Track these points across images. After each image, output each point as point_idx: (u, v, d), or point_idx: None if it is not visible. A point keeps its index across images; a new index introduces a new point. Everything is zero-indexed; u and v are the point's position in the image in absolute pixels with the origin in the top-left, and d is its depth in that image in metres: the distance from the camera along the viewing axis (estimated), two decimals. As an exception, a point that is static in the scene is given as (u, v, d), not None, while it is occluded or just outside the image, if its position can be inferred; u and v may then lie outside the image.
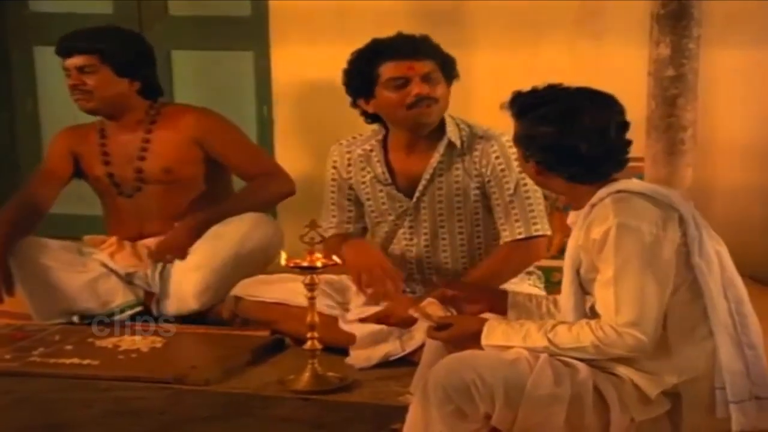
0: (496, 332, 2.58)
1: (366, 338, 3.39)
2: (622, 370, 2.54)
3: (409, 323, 3.31)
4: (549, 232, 3.50)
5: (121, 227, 4.06)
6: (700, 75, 3.69)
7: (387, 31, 4.07)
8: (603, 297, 2.51)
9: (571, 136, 2.56)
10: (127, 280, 3.98)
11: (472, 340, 2.60)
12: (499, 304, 2.80)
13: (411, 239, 3.53)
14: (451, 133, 3.44)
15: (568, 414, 2.50)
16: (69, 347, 3.60)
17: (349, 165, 3.55)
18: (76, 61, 3.92)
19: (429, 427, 2.49)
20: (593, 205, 2.56)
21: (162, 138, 3.97)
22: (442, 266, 3.52)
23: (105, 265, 3.97)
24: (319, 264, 3.20)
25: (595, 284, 2.54)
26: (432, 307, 2.82)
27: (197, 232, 3.89)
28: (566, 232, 4.03)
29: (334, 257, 3.27)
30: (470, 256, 3.50)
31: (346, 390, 3.25)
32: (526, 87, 2.66)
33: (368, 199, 3.53)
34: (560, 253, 4.06)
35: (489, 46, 4.27)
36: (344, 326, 3.43)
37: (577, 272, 2.60)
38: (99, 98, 3.93)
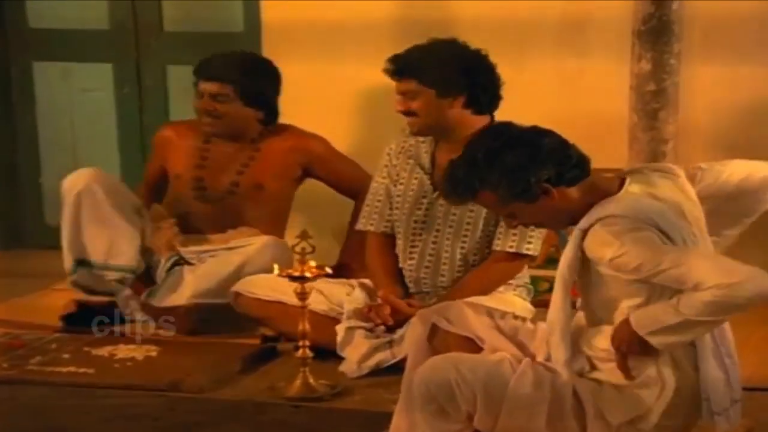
0: (646, 321, 2.47)
1: (357, 354, 3.40)
2: (602, 377, 2.53)
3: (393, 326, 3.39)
4: (536, 254, 3.50)
5: (180, 223, 4.06)
6: (680, 89, 3.69)
7: (375, 47, 4.07)
8: (679, 283, 2.42)
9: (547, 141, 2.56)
10: (144, 254, 3.98)
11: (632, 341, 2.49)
12: None
13: (420, 234, 3.53)
14: None
15: (548, 417, 2.49)
16: (66, 356, 3.59)
17: (400, 152, 3.61)
18: (211, 87, 3.92)
19: (413, 429, 2.48)
20: (584, 230, 2.50)
21: (266, 156, 3.98)
22: (440, 266, 3.51)
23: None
24: (309, 274, 3.21)
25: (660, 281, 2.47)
26: None
27: None
28: (551, 242, 4.04)
29: (326, 268, 3.29)
30: (465, 267, 3.50)
31: (336, 397, 3.25)
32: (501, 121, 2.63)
33: (401, 183, 3.57)
34: (545, 263, 4.07)
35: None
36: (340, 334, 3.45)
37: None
38: (224, 124, 3.95)
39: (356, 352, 3.40)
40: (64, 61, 4.96)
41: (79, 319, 3.87)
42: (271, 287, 3.56)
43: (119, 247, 3.94)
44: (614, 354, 2.51)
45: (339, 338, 3.43)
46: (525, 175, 2.51)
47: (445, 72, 3.42)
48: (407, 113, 3.46)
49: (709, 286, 2.36)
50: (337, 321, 3.49)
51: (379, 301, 3.49)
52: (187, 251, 3.98)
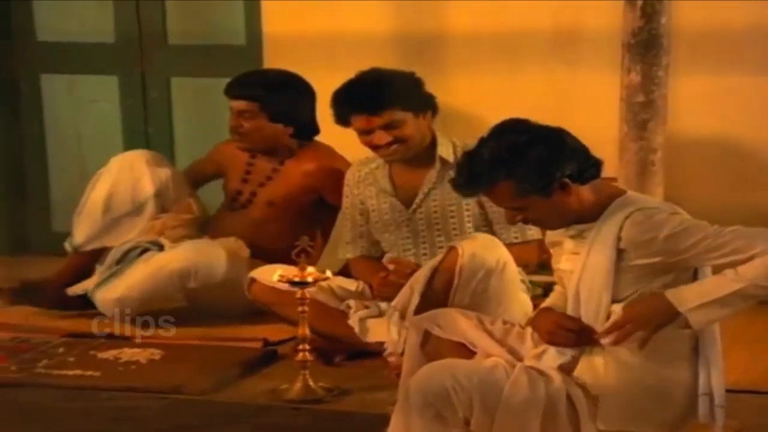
0: (689, 297, 2.46)
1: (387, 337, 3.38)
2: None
3: (390, 296, 3.38)
4: (537, 237, 3.49)
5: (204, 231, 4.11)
6: (668, 100, 3.69)
7: (374, 59, 4.07)
8: (737, 254, 2.44)
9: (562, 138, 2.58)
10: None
11: (659, 315, 2.47)
12: None
13: (410, 249, 3.56)
14: (443, 151, 3.52)
15: (543, 421, 2.48)
16: (72, 359, 3.59)
17: (358, 182, 3.64)
18: (238, 104, 3.96)
19: (410, 433, 2.47)
20: (620, 226, 2.50)
21: (285, 175, 3.99)
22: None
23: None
24: (310, 279, 3.21)
25: (712, 261, 2.48)
26: None
27: None
28: (545, 248, 4.02)
29: (327, 272, 3.31)
30: None
31: (335, 399, 3.25)
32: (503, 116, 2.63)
33: (373, 211, 3.61)
34: (539, 268, 4.05)
35: (469, 74, 4.28)
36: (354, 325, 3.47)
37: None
38: (252, 140, 3.98)
39: (379, 334, 3.38)
40: (71, 73, 4.97)
41: (24, 295, 3.99)
42: None
43: (79, 225, 4.07)
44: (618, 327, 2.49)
45: (357, 331, 3.45)
46: (551, 168, 2.52)
47: (415, 92, 3.47)
48: (393, 143, 3.45)
49: None
50: (342, 313, 3.50)
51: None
52: (170, 242, 3.99)
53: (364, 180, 3.63)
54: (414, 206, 3.53)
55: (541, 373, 2.52)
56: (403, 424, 2.50)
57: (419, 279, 3.31)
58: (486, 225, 3.49)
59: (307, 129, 4.03)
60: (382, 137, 3.45)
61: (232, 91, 4.01)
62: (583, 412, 2.50)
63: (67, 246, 4.11)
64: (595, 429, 2.51)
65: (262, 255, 3.91)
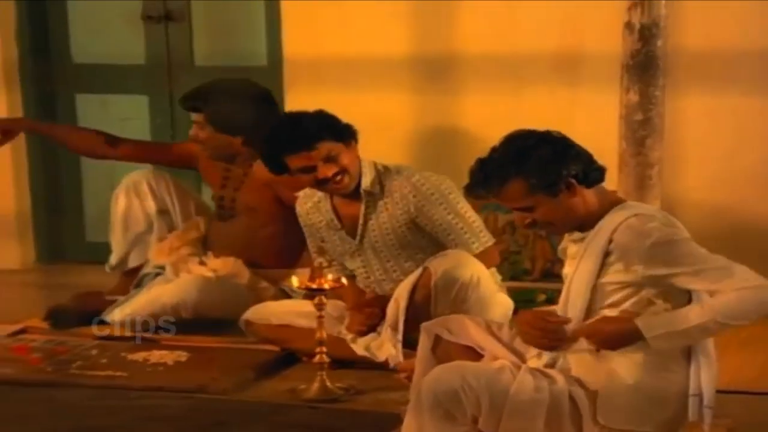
0: (656, 324, 2.49)
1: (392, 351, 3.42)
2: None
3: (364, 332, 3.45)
4: (491, 242, 3.50)
5: (205, 242, 4.10)
6: (665, 118, 3.73)
7: (389, 80, 4.12)
8: (708, 282, 2.47)
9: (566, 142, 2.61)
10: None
11: (624, 339, 2.50)
12: None
13: (368, 277, 3.58)
14: (365, 182, 3.47)
15: (547, 419, 2.51)
16: (104, 360, 3.64)
17: (308, 213, 3.61)
18: (193, 115, 3.97)
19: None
20: (614, 231, 2.52)
21: (255, 178, 3.92)
22: (399, 280, 3.51)
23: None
24: (327, 286, 3.24)
25: (685, 282, 2.50)
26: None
27: None
28: (548, 257, 4.07)
29: (342, 279, 3.34)
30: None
31: (351, 399, 3.28)
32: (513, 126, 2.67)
33: (328, 242, 3.59)
34: (542, 276, 4.09)
35: (477, 94, 4.30)
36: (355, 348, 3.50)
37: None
38: (209, 149, 3.98)
39: (388, 351, 3.40)
40: (104, 93, 5.00)
41: (63, 320, 3.97)
42: (280, 312, 3.62)
43: (113, 246, 4.12)
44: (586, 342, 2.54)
45: (370, 356, 3.45)
46: (558, 166, 2.54)
47: (336, 122, 3.41)
48: (338, 174, 3.39)
49: (748, 286, 2.42)
50: (340, 339, 3.50)
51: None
52: (172, 269, 4.00)
53: (313, 212, 3.58)
54: (358, 237, 3.52)
55: (544, 374, 2.54)
56: (416, 422, 2.53)
57: (402, 295, 3.35)
58: (434, 245, 3.46)
59: (260, 136, 3.70)
60: (328, 169, 3.36)
61: (181, 102, 4.01)
62: (585, 412, 2.52)
63: (107, 268, 4.14)
64: (597, 428, 2.52)
65: (262, 266, 3.95)
